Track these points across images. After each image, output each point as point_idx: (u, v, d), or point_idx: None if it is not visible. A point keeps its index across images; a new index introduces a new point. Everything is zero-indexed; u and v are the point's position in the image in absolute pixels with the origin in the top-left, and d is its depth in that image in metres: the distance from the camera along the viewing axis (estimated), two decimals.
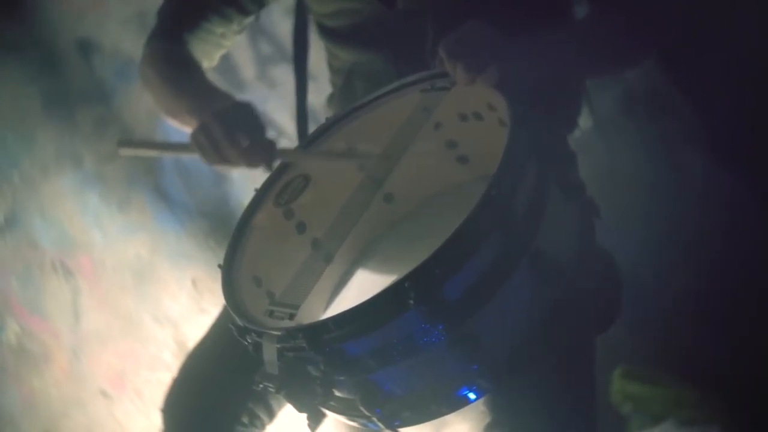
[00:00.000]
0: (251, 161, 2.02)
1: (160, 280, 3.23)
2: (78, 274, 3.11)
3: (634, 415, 2.86)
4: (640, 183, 3.00)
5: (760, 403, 2.66)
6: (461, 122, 1.99)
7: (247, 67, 3.30)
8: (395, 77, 2.05)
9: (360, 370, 1.64)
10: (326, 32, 2.29)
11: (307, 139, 2.13)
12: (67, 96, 3.12)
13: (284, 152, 2.06)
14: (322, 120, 2.14)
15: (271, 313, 1.77)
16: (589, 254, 1.81)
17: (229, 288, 1.82)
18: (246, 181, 3.19)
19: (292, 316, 1.75)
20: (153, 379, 3.18)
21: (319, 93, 2.52)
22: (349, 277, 2.03)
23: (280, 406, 2.22)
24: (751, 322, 2.75)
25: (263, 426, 2.23)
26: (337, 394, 1.71)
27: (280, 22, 3.13)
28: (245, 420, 2.19)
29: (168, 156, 2.49)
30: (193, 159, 2.10)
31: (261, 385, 1.67)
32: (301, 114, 2.39)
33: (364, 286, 1.96)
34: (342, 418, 1.77)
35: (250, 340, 1.71)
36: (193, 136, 2.03)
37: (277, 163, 2.06)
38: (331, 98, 2.39)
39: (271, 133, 3.20)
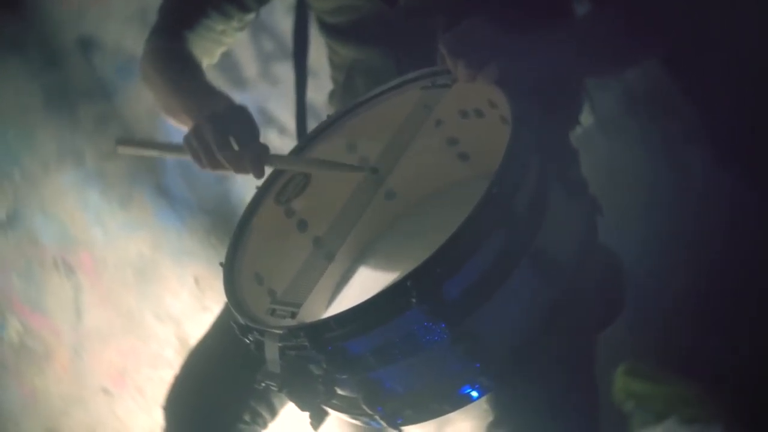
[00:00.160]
0: (241, 167, 1.97)
1: (161, 277, 3.23)
2: (79, 272, 3.10)
3: (637, 413, 2.86)
4: (641, 182, 3.00)
5: (762, 402, 2.66)
6: (462, 119, 1.99)
7: (249, 65, 3.30)
8: (396, 74, 2.05)
9: (362, 368, 1.64)
10: (327, 29, 2.28)
11: (307, 137, 2.11)
12: (68, 93, 3.12)
13: (276, 158, 2.02)
14: (323, 117, 2.13)
15: (273, 312, 1.77)
16: (591, 252, 1.81)
17: (231, 286, 1.82)
18: (248, 178, 3.17)
19: (293, 315, 1.75)
20: (155, 377, 3.18)
21: (320, 90, 2.52)
22: (350, 274, 2.03)
23: (283, 404, 2.22)
24: (752, 321, 2.74)
25: (265, 424, 2.23)
26: (340, 392, 1.71)
27: (282, 19, 3.13)
28: (247, 418, 2.19)
29: (166, 156, 2.47)
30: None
31: (263, 384, 1.67)
32: (301, 111, 2.39)
33: (365, 284, 1.96)
34: (345, 417, 1.77)
35: (251, 339, 1.71)
36: (186, 139, 2.00)
37: (269, 170, 2.03)
38: (332, 95, 2.38)
39: (272, 131, 3.24)
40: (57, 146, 3.09)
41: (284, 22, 3.10)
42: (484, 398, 1.73)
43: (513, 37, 1.85)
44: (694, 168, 2.91)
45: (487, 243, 1.58)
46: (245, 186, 3.16)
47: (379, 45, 2.18)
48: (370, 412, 1.68)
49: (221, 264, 1.88)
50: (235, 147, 1.95)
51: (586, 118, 2.31)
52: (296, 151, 2.09)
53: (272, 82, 3.30)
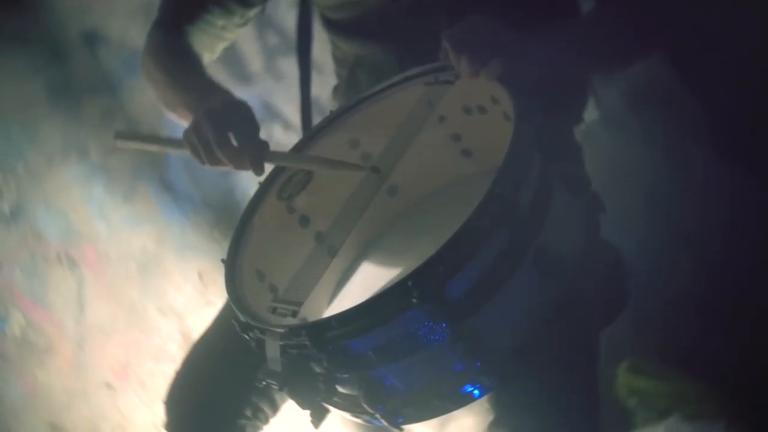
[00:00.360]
0: (241, 164, 1.95)
1: (165, 271, 3.23)
2: (83, 266, 3.10)
3: (640, 410, 2.86)
4: (643, 180, 3.00)
5: (765, 399, 2.66)
6: (465, 115, 1.99)
7: (254, 59, 3.30)
8: (398, 70, 2.04)
9: (363, 367, 1.64)
10: (330, 24, 2.28)
11: (311, 132, 2.11)
12: (72, 87, 3.12)
13: (276, 155, 2.02)
14: (327, 112, 2.13)
15: (274, 310, 1.76)
16: (594, 250, 1.80)
17: (232, 283, 1.82)
18: (251, 173, 3.18)
19: (294, 313, 1.75)
20: (157, 371, 3.18)
21: (325, 85, 2.52)
22: (352, 271, 2.03)
23: (284, 400, 2.22)
24: (752, 320, 2.74)
25: (267, 419, 2.23)
26: (340, 390, 1.71)
27: (287, 13, 3.12)
28: (248, 413, 2.20)
29: (165, 151, 2.45)
30: None
31: (264, 383, 1.67)
32: (306, 106, 2.38)
33: (367, 280, 1.96)
34: (346, 415, 1.77)
35: (252, 336, 1.71)
36: (185, 134, 1.98)
37: (270, 167, 2.02)
38: (335, 89, 2.38)
39: (277, 126, 3.24)
40: (61, 140, 3.09)
41: (289, 17, 3.09)
42: (485, 397, 1.72)
43: (516, 34, 1.84)
44: (695, 166, 2.91)
45: (488, 243, 1.57)
46: (249, 181, 3.17)
47: (381, 41, 2.18)
48: (370, 410, 1.68)
49: (223, 261, 1.87)
50: (235, 143, 1.93)
51: (591, 113, 2.30)
52: (299, 147, 2.09)
53: (277, 77, 3.30)
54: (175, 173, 3.24)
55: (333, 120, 2.08)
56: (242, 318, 1.72)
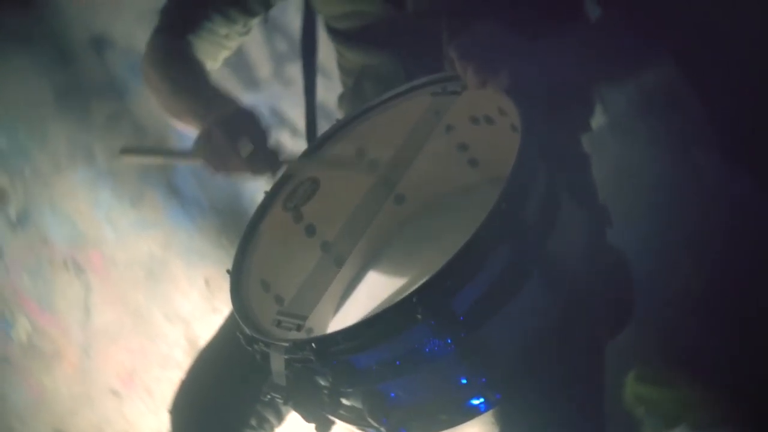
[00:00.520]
0: (255, 169, 1.97)
1: (172, 277, 3.22)
2: (89, 271, 3.10)
3: (648, 419, 2.85)
4: (650, 183, 2.98)
5: None
6: (472, 125, 1.98)
7: (262, 65, 3.29)
8: (405, 79, 2.03)
9: (367, 381, 1.64)
10: (335, 34, 2.26)
11: (317, 141, 2.10)
12: (79, 90, 3.11)
13: (288, 160, 2.03)
14: (335, 118, 2.13)
15: (279, 323, 1.76)
16: (600, 262, 1.80)
17: (237, 294, 1.81)
18: (259, 179, 3.17)
19: (299, 327, 1.74)
20: (163, 378, 3.18)
21: (332, 90, 2.51)
22: (358, 280, 2.02)
23: (289, 410, 2.20)
24: (761, 323, 2.73)
25: (272, 429, 2.23)
26: (345, 403, 1.70)
27: (296, 19, 3.08)
28: (254, 423, 2.19)
29: (174, 163, 2.44)
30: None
31: (269, 396, 1.66)
32: (310, 116, 2.37)
33: (373, 289, 1.96)
34: (352, 427, 1.76)
35: (257, 349, 1.70)
36: (196, 144, 1.99)
37: (281, 171, 2.03)
38: (341, 98, 2.37)
39: (285, 132, 3.23)
40: (68, 144, 3.08)
41: (297, 23, 3.04)
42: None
43: (523, 44, 1.83)
44: (701, 170, 2.89)
45: (493, 258, 1.57)
46: (257, 186, 3.15)
47: (387, 50, 2.17)
48: (375, 424, 1.67)
49: (228, 271, 1.87)
50: (247, 150, 1.94)
51: (598, 118, 2.29)
52: (306, 155, 2.08)
53: (285, 83, 3.29)
54: (182, 178, 3.24)
55: (340, 128, 2.08)
56: (247, 331, 1.71)
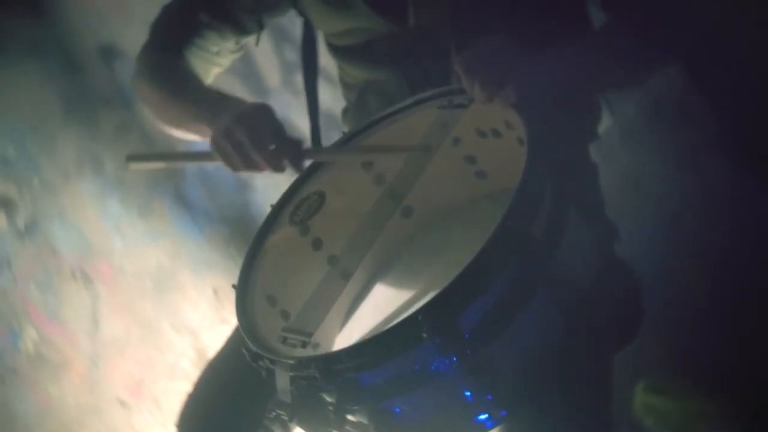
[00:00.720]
0: (280, 164, 1.96)
1: (180, 287, 3.22)
2: (97, 281, 3.10)
3: (657, 429, 2.84)
4: (662, 191, 2.97)
5: None
6: (480, 138, 1.97)
7: (271, 74, 3.29)
8: (409, 95, 2.02)
9: (373, 399, 1.63)
10: (336, 50, 2.24)
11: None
12: (88, 100, 3.11)
13: (312, 152, 2.02)
14: (342, 124, 2.12)
15: (284, 340, 1.75)
16: (608, 277, 1.79)
17: (243, 310, 1.81)
18: (268, 188, 3.18)
19: (305, 344, 1.73)
20: (171, 388, 3.17)
21: (340, 98, 2.49)
22: (365, 293, 2.01)
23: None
24: None
25: None
26: (351, 419, 1.69)
27: None
28: None
29: (183, 166, 2.42)
30: (215, 165, 2.05)
31: (273, 413, 1.65)
32: (315, 136, 2.35)
33: (380, 303, 1.95)
34: None
35: (263, 365, 1.70)
36: (215, 143, 1.96)
37: (306, 164, 2.01)
38: (345, 112, 2.35)
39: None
40: (76, 154, 3.08)
41: None
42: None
43: (530, 57, 1.81)
44: (711, 179, 2.89)
45: (499, 276, 1.56)
46: (265, 196, 3.17)
47: (390, 66, 2.15)
48: None
49: (234, 286, 1.86)
50: (270, 144, 1.93)
51: (606, 125, 2.28)
52: (313, 168, 2.07)
53: (294, 92, 3.28)
54: (191, 188, 3.23)
55: (347, 141, 2.06)
56: (252, 348, 1.70)
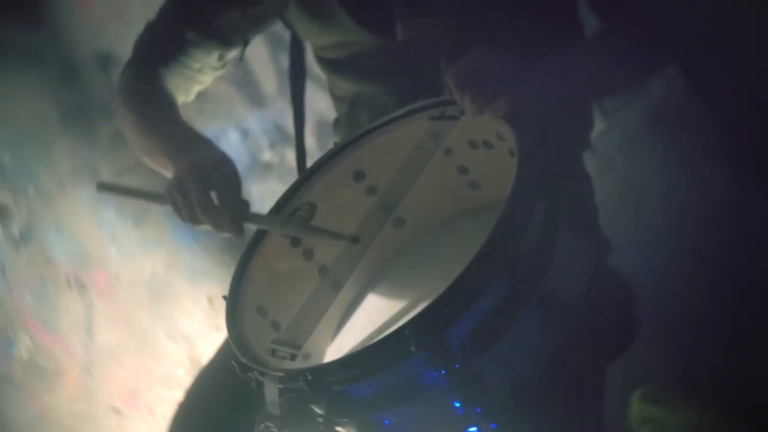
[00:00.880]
0: (221, 226, 1.91)
1: (175, 296, 3.22)
2: (92, 290, 3.10)
3: None
4: (662, 198, 2.97)
5: None
6: (472, 149, 1.96)
7: (267, 81, 3.28)
8: (400, 107, 2.01)
9: (362, 411, 1.63)
10: (324, 63, 2.23)
11: (314, 164, 2.08)
12: (85, 109, 3.11)
13: (257, 218, 1.97)
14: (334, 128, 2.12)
15: (273, 352, 1.74)
16: (601, 288, 1.78)
17: (233, 321, 1.81)
18: (264, 196, 3.17)
19: (293, 357, 1.72)
20: (166, 397, 3.17)
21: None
22: (357, 303, 2.01)
23: None
24: None
25: None
26: (341, 431, 1.69)
27: None
28: None
29: (148, 204, 2.39)
30: None
31: (263, 425, 1.65)
32: (300, 151, 2.35)
33: (372, 314, 1.94)
34: None
35: (252, 377, 1.69)
36: (168, 191, 1.94)
37: (251, 228, 1.98)
38: (336, 123, 2.34)
39: (289, 149, 3.22)
40: (73, 163, 3.08)
41: None
42: None
43: (520, 69, 1.81)
44: (714, 187, 2.88)
45: (489, 290, 1.56)
46: (262, 205, 3.14)
47: (380, 79, 2.14)
48: None
49: (224, 297, 1.86)
50: (216, 202, 1.89)
51: (604, 126, 2.27)
52: (303, 179, 2.06)
53: (290, 100, 3.28)
54: None
55: (338, 152, 2.06)
56: (242, 360, 1.70)
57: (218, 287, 3.24)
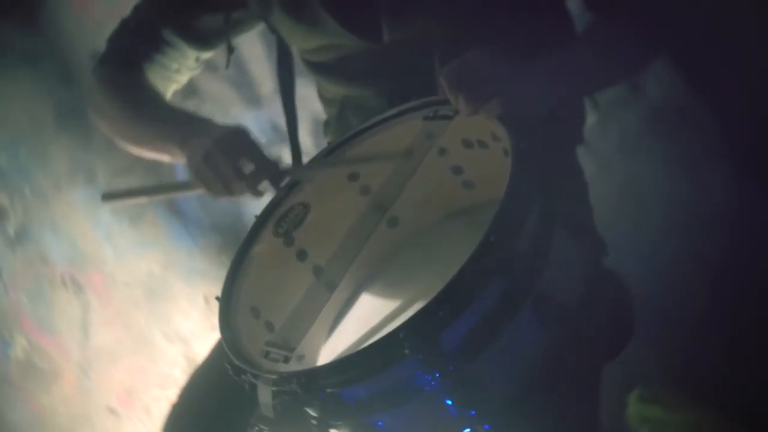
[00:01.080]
0: (259, 188, 1.94)
1: (171, 296, 3.22)
2: (88, 290, 3.10)
3: None
4: (661, 200, 2.96)
5: None
6: (466, 149, 1.95)
7: (264, 82, 3.28)
8: (388, 109, 2.00)
9: (356, 413, 1.62)
10: (312, 66, 2.21)
11: (309, 163, 2.08)
12: (81, 109, 3.09)
13: (291, 171, 2.01)
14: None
15: (267, 354, 1.74)
16: (596, 290, 1.77)
17: (226, 323, 1.79)
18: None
19: (287, 359, 1.72)
20: (162, 397, 3.17)
21: None
22: (351, 303, 2.00)
23: None
24: None
25: None
26: None
27: None
28: None
29: (161, 199, 2.36)
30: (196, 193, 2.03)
31: (256, 428, 1.65)
32: (295, 151, 2.34)
33: (366, 314, 1.93)
34: None
35: (245, 379, 1.68)
36: (197, 170, 1.94)
37: (284, 183, 2.00)
38: (327, 125, 2.33)
39: (286, 148, 3.21)
40: (69, 163, 3.08)
41: None
42: None
43: (513, 69, 1.80)
44: (713, 189, 2.88)
45: (483, 292, 1.55)
46: (258, 204, 3.14)
47: (369, 82, 2.12)
48: None
49: (217, 298, 1.85)
50: (248, 169, 1.92)
51: (604, 127, 2.26)
52: (296, 180, 2.06)
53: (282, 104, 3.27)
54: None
55: (330, 152, 2.05)
56: (235, 362, 1.69)
57: (215, 287, 3.21)
